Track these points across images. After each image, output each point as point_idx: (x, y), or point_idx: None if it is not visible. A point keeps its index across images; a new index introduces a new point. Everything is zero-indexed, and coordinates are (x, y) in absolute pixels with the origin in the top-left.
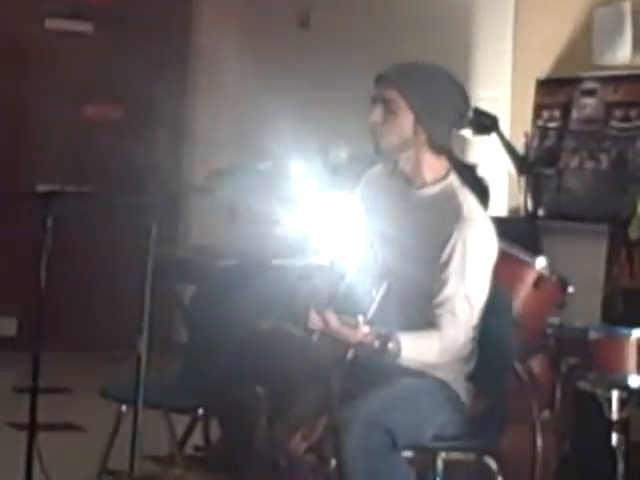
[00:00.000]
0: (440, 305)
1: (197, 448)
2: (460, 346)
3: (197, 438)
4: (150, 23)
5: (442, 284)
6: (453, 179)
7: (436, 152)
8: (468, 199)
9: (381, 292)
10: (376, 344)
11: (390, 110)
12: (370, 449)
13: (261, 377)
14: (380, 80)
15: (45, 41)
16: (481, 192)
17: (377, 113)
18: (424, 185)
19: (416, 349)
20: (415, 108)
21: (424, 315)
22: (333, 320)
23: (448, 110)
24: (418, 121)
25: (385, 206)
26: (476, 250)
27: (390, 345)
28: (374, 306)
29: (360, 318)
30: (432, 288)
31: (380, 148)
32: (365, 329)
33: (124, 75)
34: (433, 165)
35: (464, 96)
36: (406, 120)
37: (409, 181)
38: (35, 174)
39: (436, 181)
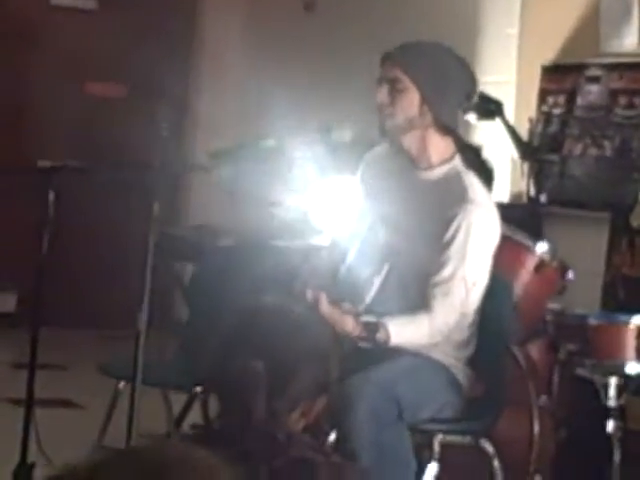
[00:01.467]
0: (436, 285)
1: (194, 427)
2: (452, 327)
3: (194, 417)
4: (155, 2)
5: (441, 265)
6: (458, 162)
7: (442, 132)
8: (474, 182)
9: (382, 275)
10: (363, 334)
11: (396, 89)
12: (379, 416)
13: (261, 352)
14: (386, 59)
15: (50, 17)
16: (486, 174)
17: (383, 93)
18: (430, 166)
19: (405, 334)
20: (421, 87)
21: (422, 295)
22: (324, 303)
23: (454, 90)
24: (424, 100)
25: (388, 187)
26: (479, 234)
27: (378, 334)
28: (374, 290)
29: (361, 307)
30: (431, 269)
31: (386, 129)
32: (351, 321)
33: (128, 53)
34: (439, 146)
35: (471, 76)
36: (412, 99)
37: (414, 162)
38: (36, 150)
39: (442, 163)
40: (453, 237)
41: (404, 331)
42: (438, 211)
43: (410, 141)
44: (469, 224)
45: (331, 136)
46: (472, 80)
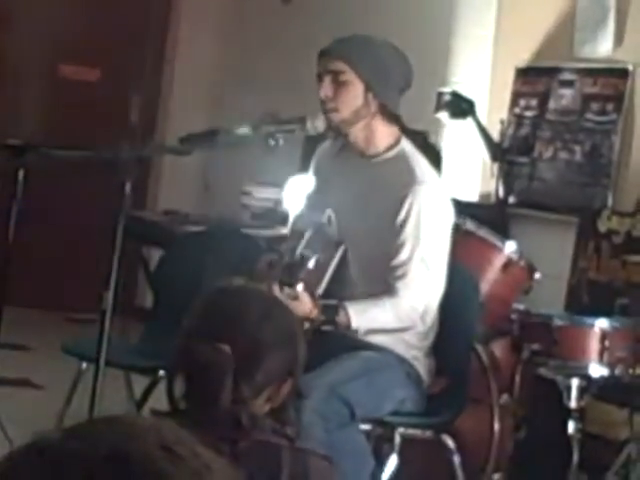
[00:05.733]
0: (395, 269)
1: (154, 412)
2: (423, 310)
3: (154, 402)
4: None
5: (398, 248)
6: (405, 144)
7: (387, 120)
8: (421, 162)
9: (338, 257)
10: (322, 317)
11: (339, 82)
12: (328, 418)
13: (228, 336)
14: (325, 55)
15: None
16: (434, 158)
17: (327, 86)
18: (377, 153)
19: (368, 317)
20: (364, 76)
21: (386, 280)
22: (276, 293)
23: (395, 76)
24: (368, 88)
25: (339, 178)
26: (431, 213)
27: (338, 317)
28: (327, 276)
29: (299, 287)
30: (390, 253)
31: (333, 123)
32: (309, 303)
33: (102, 37)
34: (385, 133)
35: (407, 63)
36: (356, 89)
37: (362, 152)
38: (4, 129)
39: (388, 148)
40: (406, 219)
41: (366, 314)
42: (389, 193)
43: (356, 133)
44: (420, 204)
45: (305, 126)
46: (408, 66)
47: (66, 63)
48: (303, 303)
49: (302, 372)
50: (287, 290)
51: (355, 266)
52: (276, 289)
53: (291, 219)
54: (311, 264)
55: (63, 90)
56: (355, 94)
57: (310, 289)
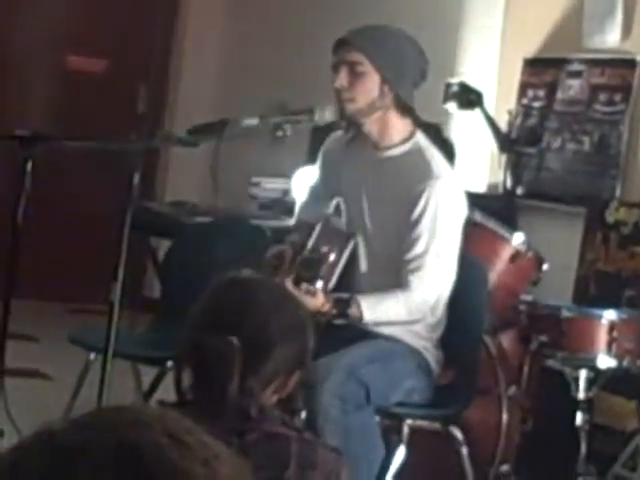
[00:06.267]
0: (409, 263)
1: (161, 403)
2: (433, 305)
3: (162, 393)
4: None
5: (413, 242)
6: (420, 138)
7: (402, 113)
8: (436, 156)
9: (349, 250)
10: (334, 311)
11: (355, 73)
12: (346, 400)
13: (236, 329)
14: (341, 45)
15: None
16: (447, 151)
17: (343, 76)
18: (392, 146)
19: (379, 310)
20: (381, 68)
21: (397, 274)
22: (289, 287)
23: (411, 69)
24: (384, 81)
25: (350, 170)
26: (447, 208)
27: (350, 310)
28: (340, 267)
29: (319, 284)
30: (403, 247)
31: (346, 113)
32: (321, 297)
33: (110, 27)
34: (399, 126)
35: (422, 54)
36: (372, 81)
37: (376, 144)
38: (14, 120)
39: (403, 141)
40: (422, 213)
41: (378, 307)
42: (403, 187)
43: (371, 125)
44: (437, 199)
45: (313, 117)
46: (424, 58)
47: (74, 54)
48: (316, 298)
49: (311, 363)
50: (305, 286)
51: (365, 258)
52: (289, 283)
53: (297, 210)
54: (330, 260)
55: (71, 81)
56: (371, 86)
57: (325, 284)
